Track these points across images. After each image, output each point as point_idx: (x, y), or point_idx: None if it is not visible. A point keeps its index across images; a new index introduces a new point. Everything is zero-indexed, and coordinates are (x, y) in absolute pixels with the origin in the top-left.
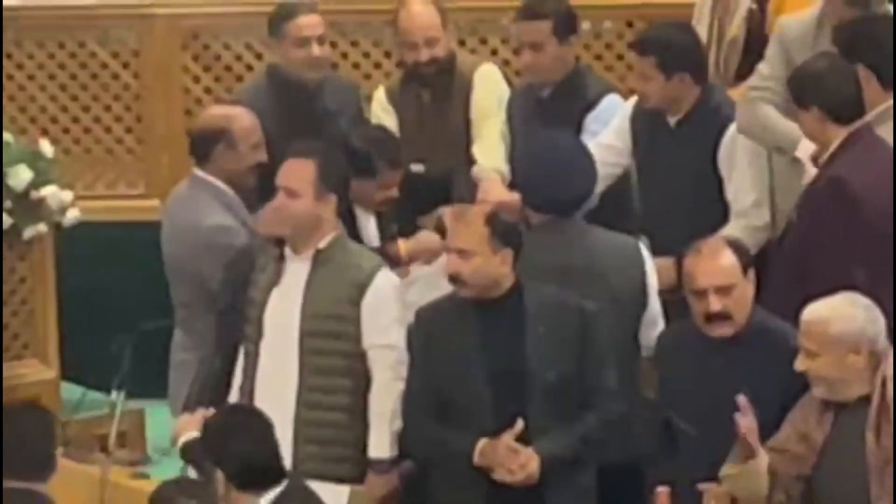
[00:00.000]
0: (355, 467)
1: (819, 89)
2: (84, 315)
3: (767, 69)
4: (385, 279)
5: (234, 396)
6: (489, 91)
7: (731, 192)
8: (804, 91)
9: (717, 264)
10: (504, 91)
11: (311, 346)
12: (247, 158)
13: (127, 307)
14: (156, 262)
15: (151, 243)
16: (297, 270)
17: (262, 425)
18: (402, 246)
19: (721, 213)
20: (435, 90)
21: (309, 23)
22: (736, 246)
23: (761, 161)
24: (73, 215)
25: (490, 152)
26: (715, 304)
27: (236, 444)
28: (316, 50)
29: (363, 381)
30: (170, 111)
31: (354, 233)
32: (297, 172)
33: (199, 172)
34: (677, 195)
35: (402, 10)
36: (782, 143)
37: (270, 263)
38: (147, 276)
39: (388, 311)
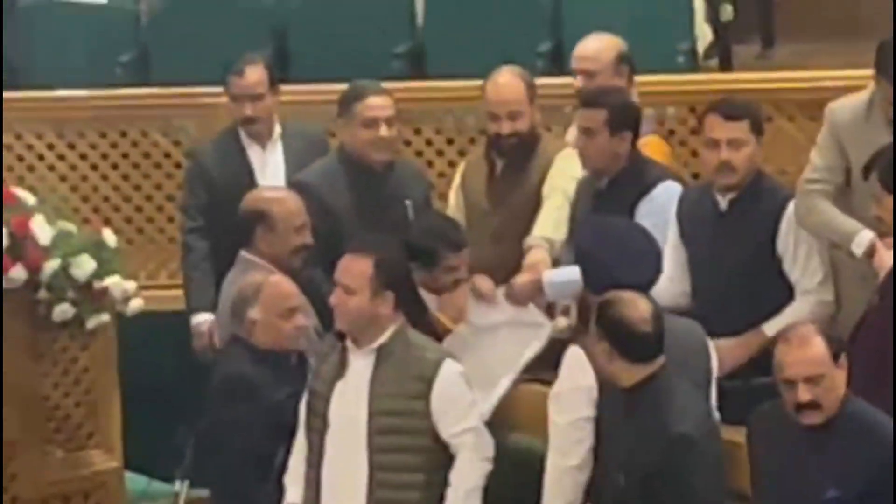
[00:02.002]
0: None
1: None
2: (148, 404)
3: (820, 159)
4: (450, 369)
5: (300, 485)
6: (563, 171)
7: (796, 270)
8: (891, 173)
9: (806, 354)
10: (578, 175)
11: (381, 444)
12: (289, 241)
13: (193, 395)
14: None
15: None
16: (360, 365)
17: None
18: (442, 317)
19: (777, 292)
20: (510, 162)
21: (378, 104)
22: (827, 334)
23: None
24: (136, 305)
25: (545, 222)
26: (804, 394)
27: None
28: (384, 131)
29: (436, 474)
30: None
31: (425, 319)
32: (354, 270)
33: (244, 254)
34: (732, 276)
35: (490, 81)
36: (838, 238)
37: (333, 353)
38: (211, 363)
39: (460, 398)
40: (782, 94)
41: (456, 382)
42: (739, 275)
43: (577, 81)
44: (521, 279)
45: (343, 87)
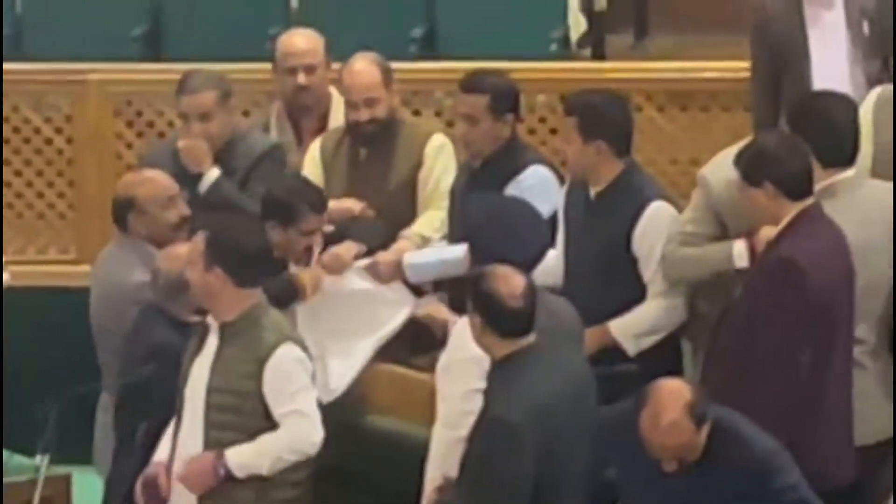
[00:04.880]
0: None
1: (771, 165)
2: (12, 379)
3: (692, 226)
4: (285, 352)
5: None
6: (440, 166)
7: (648, 273)
8: (756, 167)
9: (674, 440)
10: (453, 165)
11: (216, 421)
12: (162, 219)
13: (56, 371)
14: (86, 328)
15: (82, 309)
16: (211, 342)
17: None
18: (305, 277)
19: (630, 290)
20: (373, 149)
21: (181, 103)
22: (692, 405)
23: None
24: (3, 280)
25: (425, 223)
26: (669, 465)
27: None
28: (196, 128)
29: None
30: (102, 177)
31: (282, 275)
32: (193, 244)
33: (123, 237)
34: (593, 265)
35: (345, 68)
36: (717, 263)
37: (199, 330)
38: (77, 341)
39: (291, 381)
40: (653, 84)
41: (288, 365)
42: (595, 267)
43: (301, 79)
44: (385, 257)
45: (215, 67)
